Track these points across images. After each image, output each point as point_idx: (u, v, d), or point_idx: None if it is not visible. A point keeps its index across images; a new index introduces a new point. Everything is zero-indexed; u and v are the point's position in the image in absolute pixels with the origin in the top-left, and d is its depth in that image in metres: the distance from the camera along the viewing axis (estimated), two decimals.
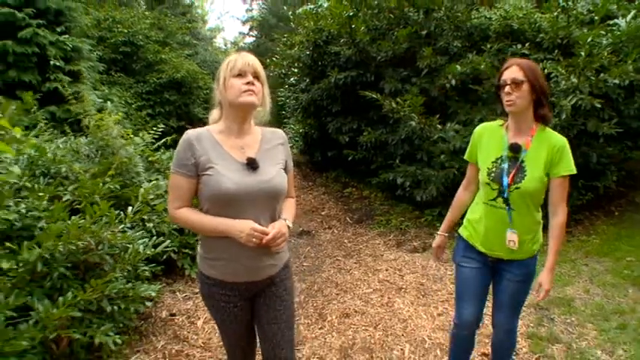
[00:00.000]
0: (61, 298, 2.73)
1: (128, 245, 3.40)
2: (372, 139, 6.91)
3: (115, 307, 3.20)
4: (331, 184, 8.52)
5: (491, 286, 2.60)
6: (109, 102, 5.90)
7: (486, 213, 2.39)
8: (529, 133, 2.31)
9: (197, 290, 4.20)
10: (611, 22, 6.03)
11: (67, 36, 6.38)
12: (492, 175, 2.32)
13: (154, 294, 3.43)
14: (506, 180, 2.28)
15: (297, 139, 10.42)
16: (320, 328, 3.72)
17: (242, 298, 2.09)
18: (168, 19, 13.32)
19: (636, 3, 6.35)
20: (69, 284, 3.02)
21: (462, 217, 2.70)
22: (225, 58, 2.07)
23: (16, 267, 2.74)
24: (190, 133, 1.98)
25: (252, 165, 1.96)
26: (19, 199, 3.21)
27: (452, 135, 5.75)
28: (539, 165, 2.27)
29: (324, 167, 9.22)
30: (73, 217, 3.02)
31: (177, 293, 4.17)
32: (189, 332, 3.58)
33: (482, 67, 5.80)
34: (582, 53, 5.44)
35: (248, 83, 1.93)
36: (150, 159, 5.29)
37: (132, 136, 4.70)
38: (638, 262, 4.89)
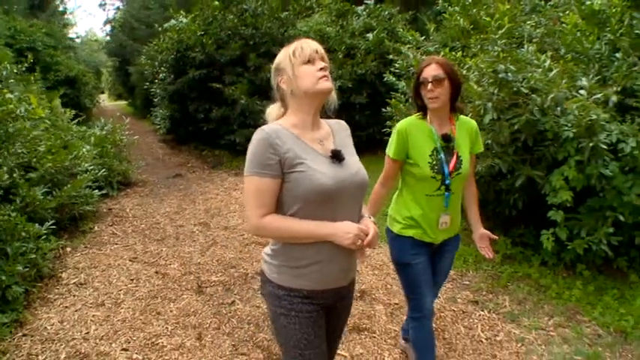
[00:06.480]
0: (69, 184, 5.45)
1: (85, 168, 6.14)
2: (219, 115, 9.66)
3: (83, 199, 5.96)
4: (192, 150, 11.27)
5: None
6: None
7: (429, 204, 2.36)
8: (449, 122, 2.37)
9: (121, 199, 7.07)
10: (368, 34, 9.68)
11: None
12: (435, 167, 2.29)
13: (98, 194, 6.26)
14: (447, 169, 2.29)
15: (165, 120, 12.32)
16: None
17: (324, 309, 1.81)
18: (54, 26, 15.13)
19: (386, 21, 10.10)
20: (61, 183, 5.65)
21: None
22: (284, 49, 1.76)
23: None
24: (267, 130, 1.64)
25: (337, 157, 1.71)
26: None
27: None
28: (467, 148, 2.38)
29: (187, 139, 11.67)
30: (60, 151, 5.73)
31: (109, 202, 6.91)
32: (121, 212, 6.43)
33: None
34: (340, 55, 9.05)
35: (322, 69, 1.68)
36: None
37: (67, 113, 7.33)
38: None
